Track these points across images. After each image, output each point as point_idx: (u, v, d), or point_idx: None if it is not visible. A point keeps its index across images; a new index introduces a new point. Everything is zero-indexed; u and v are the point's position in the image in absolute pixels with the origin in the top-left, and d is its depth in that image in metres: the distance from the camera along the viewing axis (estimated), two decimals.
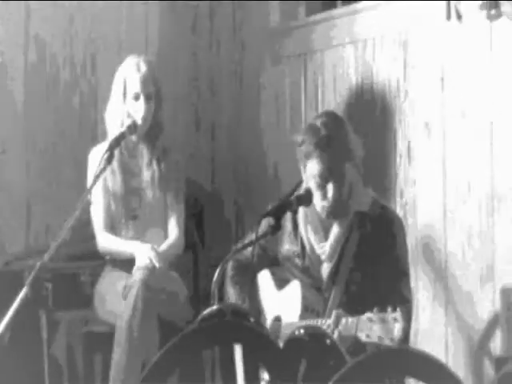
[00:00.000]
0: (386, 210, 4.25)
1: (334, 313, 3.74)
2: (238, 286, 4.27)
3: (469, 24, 4.30)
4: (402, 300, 3.81)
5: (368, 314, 3.57)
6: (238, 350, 2.82)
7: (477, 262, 4.34)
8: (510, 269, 4.14)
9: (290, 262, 4.23)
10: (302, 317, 4.00)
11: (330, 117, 4.17)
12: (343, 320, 3.65)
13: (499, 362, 3.83)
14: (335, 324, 3.68)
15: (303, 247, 4.20)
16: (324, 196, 4.07)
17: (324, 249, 4.15)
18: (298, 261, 4.21)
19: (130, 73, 4.90)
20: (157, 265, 4.63)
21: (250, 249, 4.18)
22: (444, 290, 4.52)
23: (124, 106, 4.89)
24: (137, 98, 4.87)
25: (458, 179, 4.44)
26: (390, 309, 3.52)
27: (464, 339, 4.42)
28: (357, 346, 3.64)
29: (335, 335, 3.64)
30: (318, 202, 4.08)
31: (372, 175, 4.59)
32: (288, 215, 4.18)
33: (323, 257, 4.15)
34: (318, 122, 4.09)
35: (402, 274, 4.09)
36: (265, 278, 4.30)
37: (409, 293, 4.06)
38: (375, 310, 3.56)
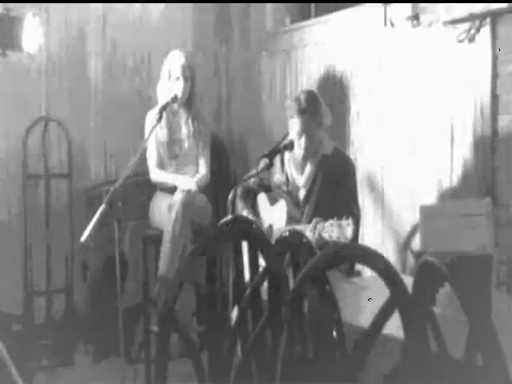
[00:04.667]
0: (342, 154, 4.25)
1: (313, 221, 3.73)
2: (245, 204, 4.27)
3: (399, 29, 4.31)
4: (353, 213, 3.80)
5: (330, 221, 3.57)
6: (245, 245, 2.82)
7: (403, 190, 4.35)
8: (425, 197, 4.16)
9: (279, 188, 4.23)
10: (287, 224, 4.02)
11: (310, 93, 4.15)
12: (317, 225, 3.65)
13: (418, 255, 3.84)
14: (313, 228, 3.68)
15: (287, 178, 4.21)
16: (299, 146, 4.07)
17: (301, 179, 4.16)
18: (284, 187, 4.22)
19: (173, 61, 4.86)
20: (192, 189, 4.64)
21: (252, 179, 4.25)
22: (381, 209, 4.52)
23: (169, 84, 4.87)
24: (177, 79, 4.83)
25: (390, 132, 4.44)
26: (344, 218, 3.52)
27: (394, 241, 4.44)
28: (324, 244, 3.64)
29: (315, 237, 3.63)
30: (297, 149, 4.08)
31: (335, 130, 4.58)
32: (278, 157, 4.18)
33: (300, 185, 4.16)
34: (301, 96, 4.09)
35: (353, 196, 4.09)
36: (262, 198, 4.30)
37: (357, 209, 4.05)
38: (335, 218, 3.56)
